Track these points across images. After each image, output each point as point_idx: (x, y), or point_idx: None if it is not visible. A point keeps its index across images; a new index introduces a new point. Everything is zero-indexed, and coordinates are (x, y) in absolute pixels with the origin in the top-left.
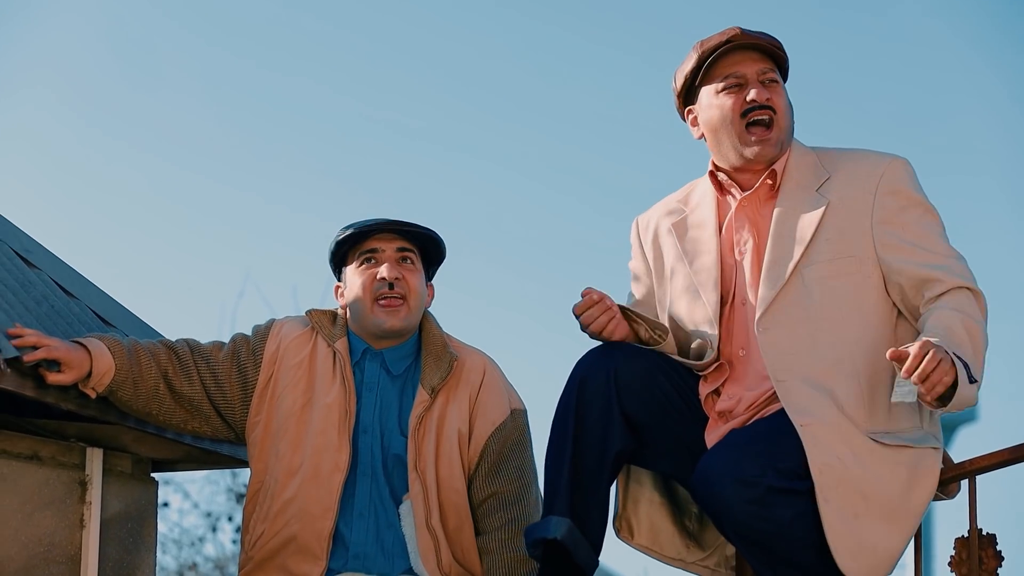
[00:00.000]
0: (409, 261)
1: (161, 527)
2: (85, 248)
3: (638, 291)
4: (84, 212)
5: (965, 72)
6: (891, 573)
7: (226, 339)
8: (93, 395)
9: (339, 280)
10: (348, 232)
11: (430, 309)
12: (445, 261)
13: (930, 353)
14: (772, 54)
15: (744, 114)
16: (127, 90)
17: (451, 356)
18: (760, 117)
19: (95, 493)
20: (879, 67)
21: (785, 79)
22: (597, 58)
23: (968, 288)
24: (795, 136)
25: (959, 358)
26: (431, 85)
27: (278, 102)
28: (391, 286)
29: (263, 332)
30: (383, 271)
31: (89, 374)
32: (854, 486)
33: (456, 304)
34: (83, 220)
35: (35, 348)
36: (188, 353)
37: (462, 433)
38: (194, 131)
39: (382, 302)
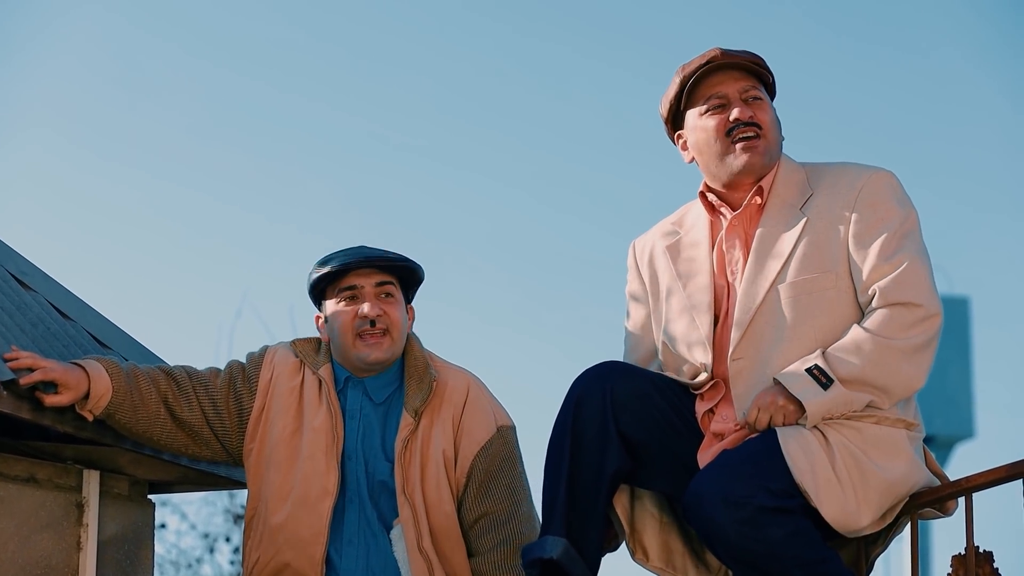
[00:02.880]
0: (388, 293)
1: (158, 548)
2: (81, 270)
3: (636, 313)
4: (80, 234)
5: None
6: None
7: (221, 363)
8: (90, 417)
9: (319, 310)
10: (325, 270)
11: (413, 330)
12: (444, 277)
13: (756, 418)
14: (754, 71)
15: (729, 132)
16: (121, 110)
17: (431, 377)
18: (745, 134)
19: (92, 515)
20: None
21: (773, 94)
22: (591, 74)
23: (899, 304)
24: (788, 153)
25: (811, 371)
26: (427, 103)
27: (275, 121)
28: (373, 323)
29: (257, 359)
30: (365, 309)
31: (87, 396)
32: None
33: (449, 320)
34: (79, 242)
35: (31, 370)
36: (187, 379)
37: (447, 455)
38: (190, 151)
39: (365, 338)
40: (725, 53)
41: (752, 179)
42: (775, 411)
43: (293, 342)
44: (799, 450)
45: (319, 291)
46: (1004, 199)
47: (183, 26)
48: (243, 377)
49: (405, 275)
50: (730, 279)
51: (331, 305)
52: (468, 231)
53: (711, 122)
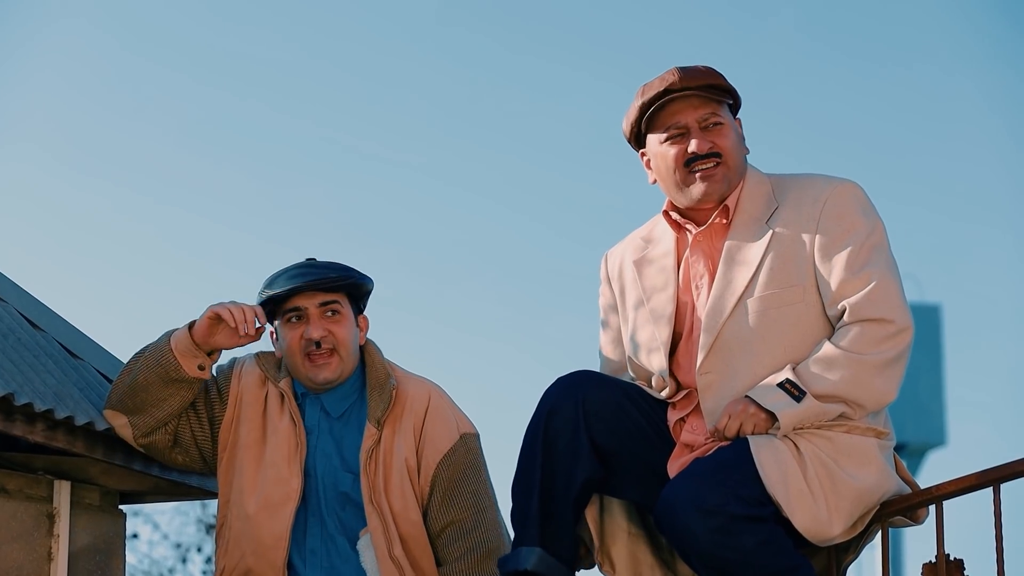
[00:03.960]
0: (334, 312)
1: (131, 559)
2: (51, 280)
3: (608, 324)
4: (49, 244)
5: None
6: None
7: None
8: (205, 373)
9: (273, 328)
10: (269, 293)
11: (371, 336)
12: (420, 286)
13: (726, 426)
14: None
15: (688, 163)
16: (96, 122)
17: (391, 386)
18: (704, 166)
19: (63, 526)
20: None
21: (737, 104)
22: (579, 87)
23: (871, 320)
24: (754, 165)
25: (783, 385)
26: (414, 116)
27: (257, 136)
28: (318, 344)
29: (227, 372)
30: (309, 331)
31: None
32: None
33: (422, 328)
34: (49, 252)
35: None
36: None
37: (411, 464)
38: (168, 163)
39: (313, 358)
40: (683, 76)
41: (714, 203)
42: (745, 419)
43: (256, 355)
44: (771, 460)
45: (269, 310)
46: (976, 207)
47: (167, 43)
48: (216, 389)
49: (351, 290)
50: (694, 294)
51: (280, 325)
52: (443, 241)
53: (671, 151)
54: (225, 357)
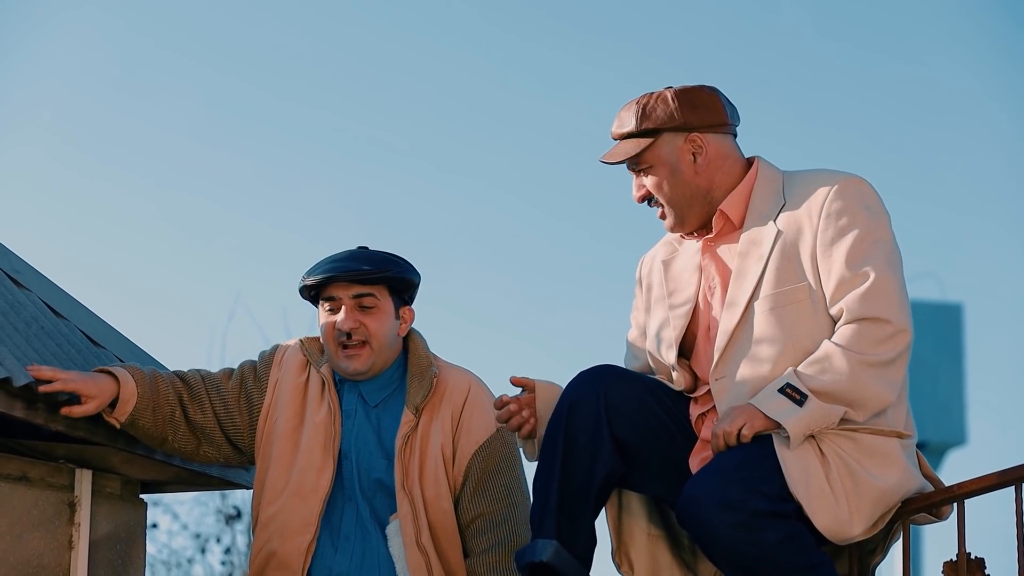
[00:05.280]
0: (367, 305)
1: (150, 548)
2: (75, 269)
3: (636, 325)
4: (73, 233)
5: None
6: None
7: (214, 364)
8: (117, 425)
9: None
10: (305, 283)
11: (416, 327)
12: (441, 281)
13: (719, 434)
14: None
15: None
16: (115, 113)
17: (432, 374)
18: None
19: (84, 514)
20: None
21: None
22: (590, 79)
23: (868, 319)
24: (767, 157)
25: (784, 390)
26: (423, 106)
27: (271, 125)
28: (349, 335)
29: (268, 359)
30: (339, 322)
31: (115, 402)
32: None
33: (444, 324)
34: (73, 241)
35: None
36: (200, 382)
37: (446, 452)
38: (184, 152)
39: (344, 349)
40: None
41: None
42: (745, 425)
43: (302, 340)
44: (794, 458)
45: (313, 295)
46: (997, 206)
47: (180, 29)
48: (254, 377)
49: (390, 283)
50: (709, 297)
51: (319, 312)
52: (464, 235)
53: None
54: (243, 349)
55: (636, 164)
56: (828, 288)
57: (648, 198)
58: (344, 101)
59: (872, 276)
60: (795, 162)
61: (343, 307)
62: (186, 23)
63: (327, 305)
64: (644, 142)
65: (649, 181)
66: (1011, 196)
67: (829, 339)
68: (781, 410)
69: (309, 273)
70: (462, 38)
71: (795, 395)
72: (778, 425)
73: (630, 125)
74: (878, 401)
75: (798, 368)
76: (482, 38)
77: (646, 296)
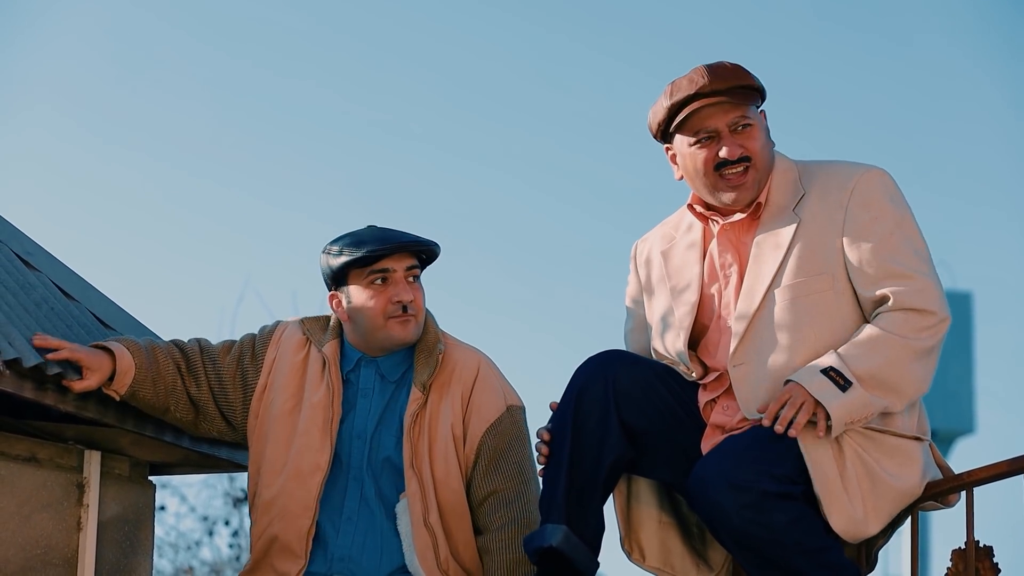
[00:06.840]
0: (416, 277)
1: (158, 530)
2: (85, 251)
3: (633, 312)
4: (84, 215)
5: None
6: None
7: (234, 339)
8: (117, 397)
9: (336, 290)
10: (360, 254)
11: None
12: (446, 265)
13: (787, 403)
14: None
15: (718, 167)
16: (126, 95)
17: (439, 351)
18: (735, 170)
19: (92, 496)
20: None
21: (763, 98)
22: (596, 64)
23: (914, 310)
24: (783, 152)
25: (827, 372)
26: (431, 90)
27: (279, 106)
28: (405, 308)
29: (266, 336)
30: (401, 294)
31: (112, 376)
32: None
33: (449, 307)
34: (83, 223)
35: (56, 351)
36: (198, 354)
37: (456, 432)
38: (194, 135)
39: (399, 320)
40: (712, 79)
41: (742, 206)
42: (801, 411)
43: (302, 320)
44: (814, 455)
45: (342, 273)
46: (1007, 195)
47: (190, 11)
48: (251, 354)
49: (432, 259)
50: (722, 284)
51: (359, 289)
52: (470, 220)
53: (700, 154)
54: (253, 326)
55: (746, 118)
56: (861, 278)
57: (734, 161)
58: (353, 85)
59: (918, 272)
60: (805, 151)
61: (397, 280)
62: (197, 4)
63: (375, 279)
64: (756, 98)
65: (754, 142)
66: (1021, 186)
67: (872, 324)
68: (824, 391)
69: (358, 246)
70: (470, 25)
71: (839, 379)
72: (817, 404)
73: (747, 78)
74: (916, 388)
75: (840, 350)
76: (490, 24)
77: (646, 286)
